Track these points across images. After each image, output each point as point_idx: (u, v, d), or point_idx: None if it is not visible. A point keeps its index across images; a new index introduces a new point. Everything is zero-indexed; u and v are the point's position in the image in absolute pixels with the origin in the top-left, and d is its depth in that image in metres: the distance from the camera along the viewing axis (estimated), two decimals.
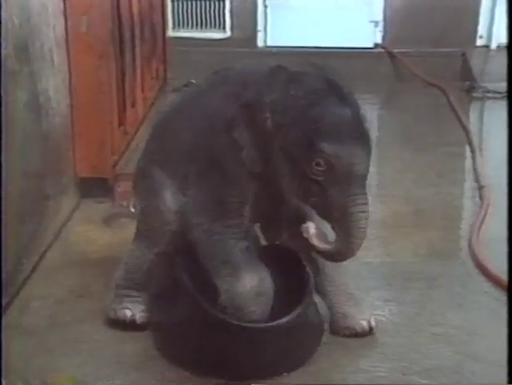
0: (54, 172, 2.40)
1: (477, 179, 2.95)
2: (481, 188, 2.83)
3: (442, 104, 4.20)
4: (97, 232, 2.45)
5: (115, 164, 2.78)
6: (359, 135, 1.55)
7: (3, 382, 1.54)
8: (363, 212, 1.56)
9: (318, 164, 1.52)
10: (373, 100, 4.57)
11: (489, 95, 4.22)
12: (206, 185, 1.67)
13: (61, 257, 2.26)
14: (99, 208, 2.64)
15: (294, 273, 1.75)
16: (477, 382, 1.68)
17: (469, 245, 2.37)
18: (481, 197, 2.74)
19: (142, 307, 1.82)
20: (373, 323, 1.84)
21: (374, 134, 3.88)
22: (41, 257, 2.23)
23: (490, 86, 4.20)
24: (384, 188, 2.94)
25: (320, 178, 1.53)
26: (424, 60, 4.77)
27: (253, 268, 1.67)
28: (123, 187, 2.71)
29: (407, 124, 3.91)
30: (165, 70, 4.41)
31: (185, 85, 4.52)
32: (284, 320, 1.65)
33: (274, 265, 1.73)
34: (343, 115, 1.54)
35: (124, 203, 2.59)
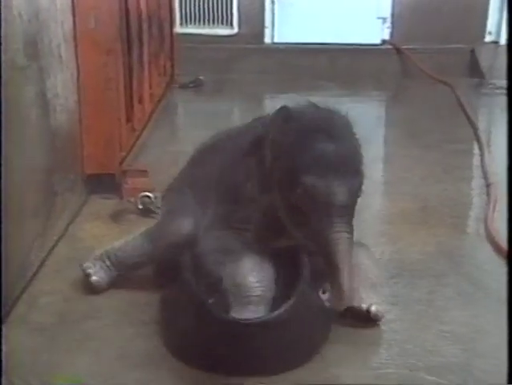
0: (61, 169, 2.40)
1: (484, 176, 2.94)
2: (488, 185, 2.82)
3: (450, 101, 4.19)
4: (104, 228, 2.45)
5: (122, 161, 2.78)
6: (340, 169, 1.65)
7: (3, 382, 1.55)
8: (345, 238, 1.63)
9: (300, 196, 1.65)
10: (380, 97, 4.57)
11: (498, 91, 4.19)
12: (218, 207, 1.85)
13: (69, 253, 2.26)
14: (107, 204, 2.64)
15: (294, 268, 1.77)
16: (485, 381, 1.67)
17: (485, 226, 2.40)
18: (488, 194, 2.74)
19: (104, 274, 2.00)
20: (373, 309, 1.83)
21: (381, 131, 3.92)
22: (49, 253, 2.23)
23: (499, 82, 4.17)
24: (391, 186, 2.94)
25: (303, 208, 1.65)
26: (432, 56, 4.76)
27: (254, 253, 1.77)
28: (131, 183, 2.71)
29: (414, 121, 3.90)
30: (173, 67, 4.42)
31: (192, 81, 4.54)
32: (275, 313, 1.65)
33: (276, 263, 1.78)
34: (325, 150, 1.66)
35: (132, 199, 2.59)
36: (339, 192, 1.63)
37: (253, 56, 4.90)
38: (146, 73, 3.48)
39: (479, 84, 4.41)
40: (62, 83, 2.38)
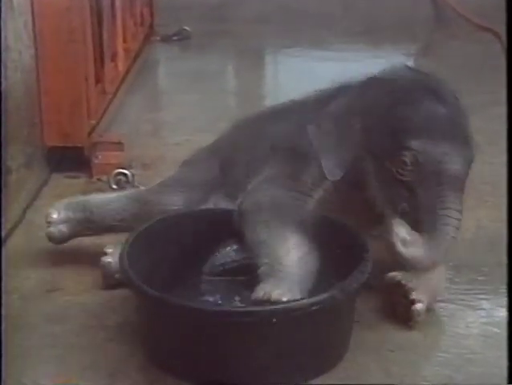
0: (15, 140, 2.40)
1: None
2: None
3: (496, 53, 4.16)
4: None
5: (91, 131, 2.79)
6: (454, 135, 1.76)
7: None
8: (455, 218, 1.72)
9: (405, 163, 1.73)
10: (408, 50, 4.55)
11: None
12: (277, 168, 1.94)
13: (26, 243, 2.28)
14: (73, 184, 2.65)
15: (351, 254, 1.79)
16: None
17: None
18: None
19: (66, 228, 2.12)
20: (420, 306, 1.85)
21: None
22: (1, 244, 2.23)
23: None
24: None
25: (408, 179, 1.74)
26: None
27: (307, 226, 1.80)
28: (102, 158, 2.73)
29: (451, 79, 3.87)
30: (152, 15, 4.42)
31: (177, 33, 4.53)
32: (310, 300, 1.63)
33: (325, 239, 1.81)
34: (435, 113, 1.77)
35: (104, 178, 2.60)
36: (455, 162, 1.73)
37: (251, 1, 4.88)
38: (119, 22, 3.48)
39: None
40: (13, 34, 2.38)
